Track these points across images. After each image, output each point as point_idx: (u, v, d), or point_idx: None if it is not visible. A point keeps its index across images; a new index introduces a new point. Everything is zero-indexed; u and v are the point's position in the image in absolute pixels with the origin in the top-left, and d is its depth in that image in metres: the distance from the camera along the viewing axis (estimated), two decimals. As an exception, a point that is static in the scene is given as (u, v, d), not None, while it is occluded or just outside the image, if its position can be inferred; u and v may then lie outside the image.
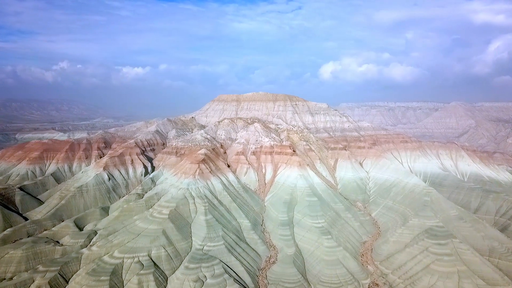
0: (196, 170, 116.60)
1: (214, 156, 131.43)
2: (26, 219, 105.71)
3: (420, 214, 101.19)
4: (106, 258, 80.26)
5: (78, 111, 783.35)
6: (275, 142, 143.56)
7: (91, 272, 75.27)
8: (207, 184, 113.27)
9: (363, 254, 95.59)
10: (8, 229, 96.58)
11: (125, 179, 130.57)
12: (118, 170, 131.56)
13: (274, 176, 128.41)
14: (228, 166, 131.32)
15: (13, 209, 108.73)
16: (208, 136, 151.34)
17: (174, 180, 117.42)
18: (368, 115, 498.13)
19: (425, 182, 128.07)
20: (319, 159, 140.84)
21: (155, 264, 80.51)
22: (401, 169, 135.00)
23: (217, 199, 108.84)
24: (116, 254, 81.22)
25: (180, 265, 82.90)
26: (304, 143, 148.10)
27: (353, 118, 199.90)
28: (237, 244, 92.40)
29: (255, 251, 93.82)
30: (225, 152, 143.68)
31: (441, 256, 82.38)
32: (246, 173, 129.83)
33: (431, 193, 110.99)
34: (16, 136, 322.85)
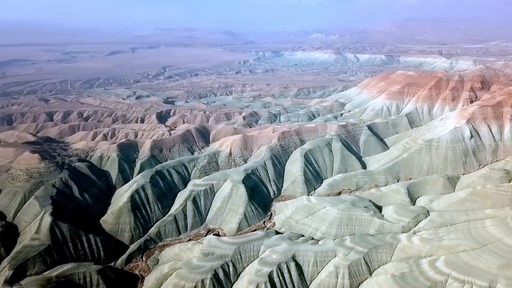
0: None
1: None
2: (363, 165, 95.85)
3: None
4: (423, 264, 57.10)
5: (474, 32, 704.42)
6: None
7: (398, 279, 55.21)
8: None
9: None
10: (339, 175, 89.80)
11: (495, 141, 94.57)
12: (488, 126, 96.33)
13: None
14: None
15: (355, 150, 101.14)
16: None
17: None
18: None
19: None
20: None
21: (495, 309, 49.95)
22: None
23: None
24: (439, 265, 56.15)
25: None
26: None
27: None
28: None
29: None
30: None
31: None
32: None
33: None
34: (400, 58, 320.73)
